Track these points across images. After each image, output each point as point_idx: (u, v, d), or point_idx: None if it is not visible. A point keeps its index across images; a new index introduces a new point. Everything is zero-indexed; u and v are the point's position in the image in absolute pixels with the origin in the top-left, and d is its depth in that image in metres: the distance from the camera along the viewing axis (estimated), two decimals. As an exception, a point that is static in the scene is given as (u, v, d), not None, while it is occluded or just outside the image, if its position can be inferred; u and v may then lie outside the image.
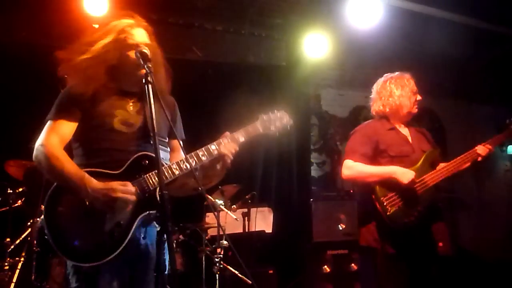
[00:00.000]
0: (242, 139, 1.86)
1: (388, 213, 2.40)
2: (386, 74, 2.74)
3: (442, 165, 2.58)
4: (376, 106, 2.71)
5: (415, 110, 2.67)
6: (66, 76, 1.82)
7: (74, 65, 1.77)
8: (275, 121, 1.97)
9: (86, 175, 1.66)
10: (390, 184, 2.44)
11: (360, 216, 2.70)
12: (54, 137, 1.73)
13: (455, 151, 2.70)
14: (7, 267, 2.98)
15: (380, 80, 2.73)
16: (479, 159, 2.58)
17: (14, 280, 2.93)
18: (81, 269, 1.64)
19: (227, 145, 1.81)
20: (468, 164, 2.60)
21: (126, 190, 1.65)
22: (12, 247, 3.05)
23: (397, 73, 2.71)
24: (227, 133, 1.86)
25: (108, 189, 1.63)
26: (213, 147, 1.81)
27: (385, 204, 2.41)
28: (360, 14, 4.29)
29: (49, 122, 1.77)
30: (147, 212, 1.68)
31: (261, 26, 4.85)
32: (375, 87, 2.74)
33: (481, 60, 5.51)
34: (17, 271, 2.96)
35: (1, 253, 3.02)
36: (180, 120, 2.01)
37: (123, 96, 1.84)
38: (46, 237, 1.62)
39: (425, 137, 2.73)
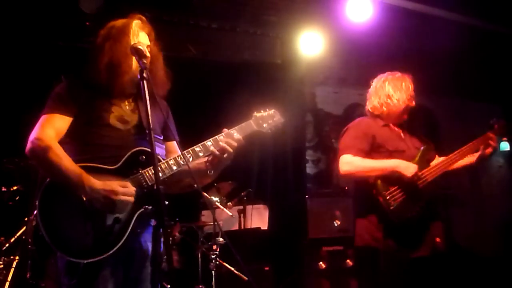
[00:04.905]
0: (237, 136, 1.86)
1: (391, 208, 2.36)
2: (387, 72, 2.69)
3: (437, 160, 2.58)
4: (371, 103, 2.68)
5: (405, 116, 2.65)
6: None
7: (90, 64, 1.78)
8: (267, 119, 1.98)
9: (84, 173, 1.63)
10: (392, 178, 2.40)
11: (356, 214, 2.64)
12: (50, 131, 1.69)
13: (449, 148, 2.72)
14: (1, 266, 2.96)
15: (380, 78, 2.69)
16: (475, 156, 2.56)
17: (9, 279, 2.92)
18: (79, 265, 1.62)
19: (225, 139, 1.81)
20: (464, 161, 2.58)
21: (126, 192, 1.64)
22: (7, 245, 3.04)
23: (398, 74, 2.67)
24: (225, 129, 1.87)
25: (108, 190, 1.61)
26: (209, 143, 1.82)
27: (387, 198, 2.37)
28: (356, 12, 4.31)
29: (44, 116, 1.74)
30: (145, 207, 1.67)
31: (256, 24, 4.85)
32: (374, 83, 2.71)
33: (475, 57, 5.54)
34: (12, 269, 2.95)
35: (-4, 252, 3.01)
36: (173, 123, 2.02)
37: (119, 95, 1.84)
38: (40, 233, 1.60)
39: (416, 136, 2.72)
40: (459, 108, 6.20)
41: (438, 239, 2.51)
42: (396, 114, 2.63)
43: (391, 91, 2.60)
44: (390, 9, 4.43)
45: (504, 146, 5.58)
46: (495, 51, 5.42)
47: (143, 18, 1.90)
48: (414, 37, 5.07)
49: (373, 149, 2.53)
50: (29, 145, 1.69)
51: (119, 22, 1.87)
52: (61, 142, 1.73)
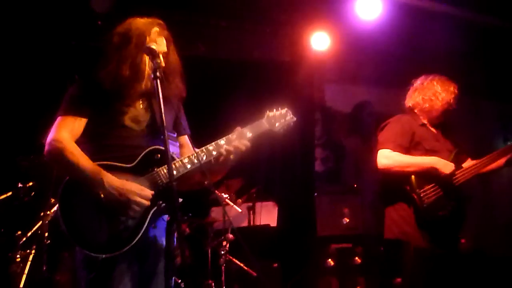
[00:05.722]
0: (249, 134, 1.89)
1: (424, 205, 2.43)
2: (434, 74, 2.77)
3: (469, 162, 2.64)
4: (414, 99, 2.74)
5: (443, 119, 2.72)
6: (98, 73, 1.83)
7: (107, 70, 1.81)
8: (280, 118, 2.00)
9: (102, 170, 1.68)
10: (427, 175, 2.47)
11: (385, 206, 2.68)
12: (66, 132, 1.75)
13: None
14: (19, 259, 3.04)
15: (428, 76, 2.76)
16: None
17: (26, 271, 3.00)
18: (97, 260, 1.66)
19: (235, 142, 1.84)
20: (495, 163, 2.64)
21: (143, 195, 1.67)
22: (24, 239, 3.12)
23: (445, 77, 2.75)
24: (238, 128, 1.90)
25: (126, 189, 1.66)
26: (222, 141, 1.85)
27: (421, 195, 2.44)
28: (365, 10, 4.31)
29: (59, 118, 1.79)
30: (159, 203, 1.72)
31: (265, 22, 4.86)
32: (420, 81, 2.77)
33: (487, 56, 5.48)
34: (29, 263, 3.03)
35: (13, 246, 3.09)
36: (184, 117, 2.05)
37: (133, 94, 1.86)
38: (60, 229, 1.65)
39: (449, 139, 2.78)
40: (470, 108, 6.13)
41: (463, 240, 2.57)
42: (436, 114, 2.69)
43: (439, 89, 2.68)
44: (400, 7, 4.41)
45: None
46: (506, 49, 5.35)
47: (162, 23, 1.90)
48: (425, 35, 5.03)
49: (411, 146, 2.60)
50: (46, 147, 1.75)
51: (138, 24, 1.87)
52: (78, 143, 1.78)
